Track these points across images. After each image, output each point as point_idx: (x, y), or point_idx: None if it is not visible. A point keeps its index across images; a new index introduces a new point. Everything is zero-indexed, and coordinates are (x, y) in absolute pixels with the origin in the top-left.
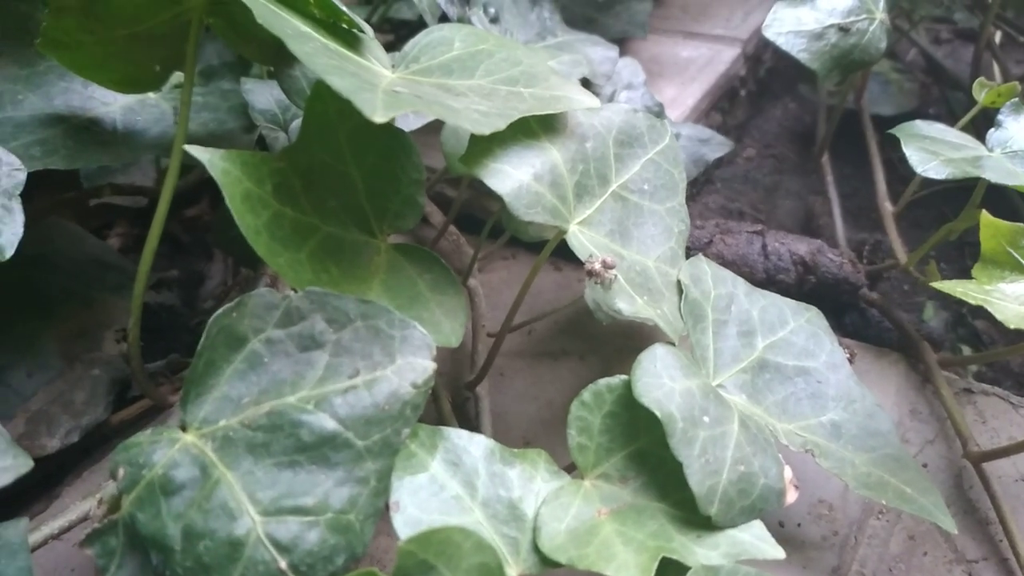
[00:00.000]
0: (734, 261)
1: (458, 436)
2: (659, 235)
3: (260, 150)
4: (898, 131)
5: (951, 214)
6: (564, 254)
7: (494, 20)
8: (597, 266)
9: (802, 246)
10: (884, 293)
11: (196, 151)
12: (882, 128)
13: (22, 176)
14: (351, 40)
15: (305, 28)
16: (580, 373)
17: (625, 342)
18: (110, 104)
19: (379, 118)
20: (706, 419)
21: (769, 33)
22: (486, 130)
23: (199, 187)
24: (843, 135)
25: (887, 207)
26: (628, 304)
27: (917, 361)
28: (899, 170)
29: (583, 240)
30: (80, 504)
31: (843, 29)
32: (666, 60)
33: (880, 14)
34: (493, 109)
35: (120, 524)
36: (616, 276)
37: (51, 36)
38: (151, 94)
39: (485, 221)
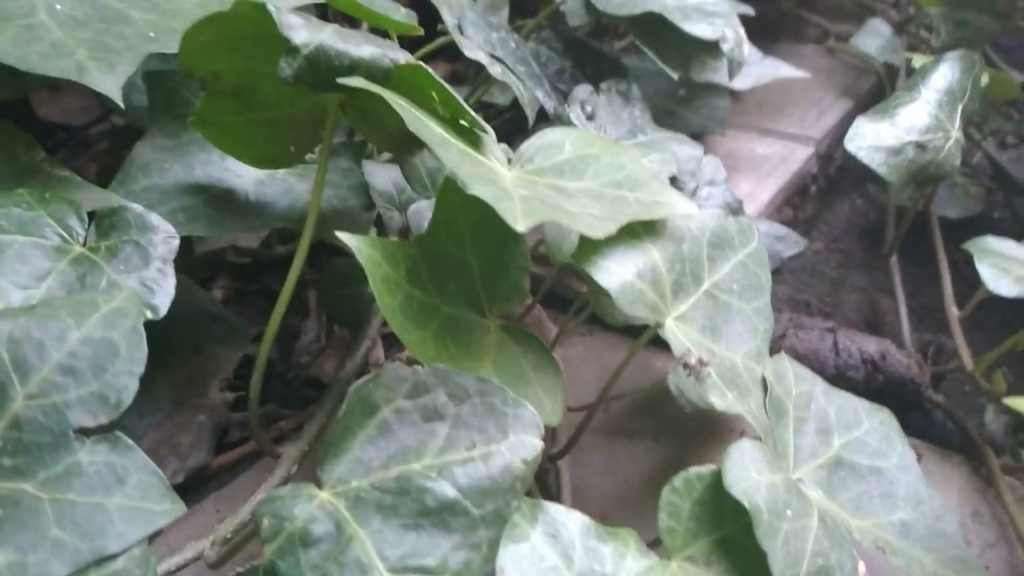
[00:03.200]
0: (806, 355)
1: (556, 510)
2: (746, 333)
3: (377, 227)
4: (971, 247)
5: (1014, 318)
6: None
7: (590, 117)
8: (693, 361)
9: (871, 345)
10: (946, 394)
11: (345, 237)
12: (948, 230)
13: (176, 243)
14: (472, 138)
15: (441, 131)
16: (656, 453)
17: (699, 426)
18: (243, 176)
19: (521, 227)
20: (789, 512)
21: (851, 146)
22: (600, 234)
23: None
24: (910, 235)
25: (953, 311)
26: (720, 399)
27: (979, 464)
28: (963, 271)
29: (678, 334)
30: (194, 544)
31: (920, 146)
32: (742, 156)
33: (955, 132)
34: (603, 212)
35: (261, 571)
36: (710, 372)
37: (203, 116)
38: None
39: (566, 298)
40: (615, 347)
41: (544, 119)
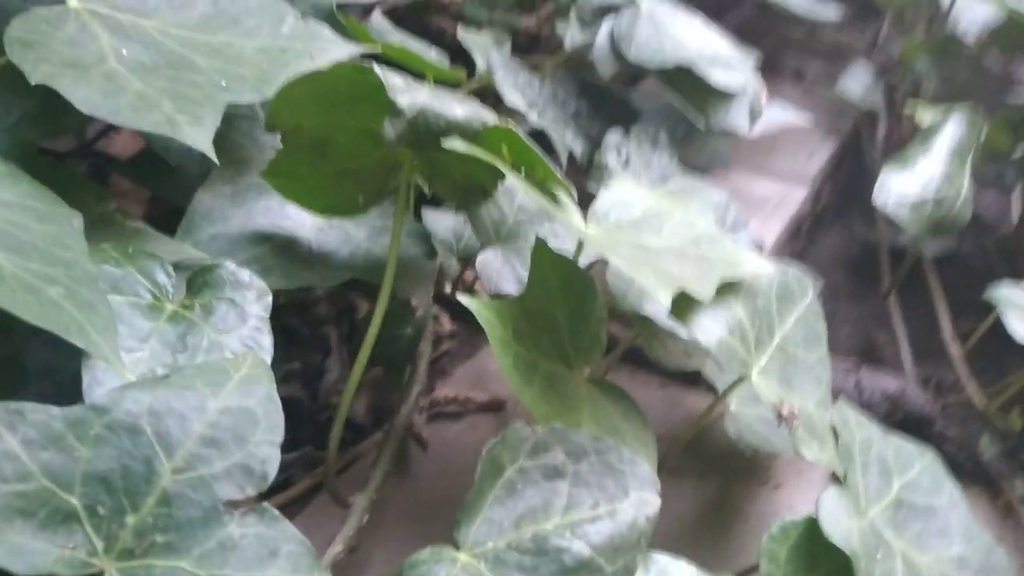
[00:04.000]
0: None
1: (664, 560)
2: (812, 383)
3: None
4: (993, 299)
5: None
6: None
7: (625, 164)
8: (786, 412)
9: (891, 384)
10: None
11: (466, 301)
12: (936, 266)
13: (269, 300)
14: (552, 196)
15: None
16: (703, 491)
17: (738, 464)
18: (303, 224)
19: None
20: (878, 556)
21: (878, 203)
22: (705, 296)
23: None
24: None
25: (955, 349)
26: (808, 450)
27: (995, 495)
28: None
29: (762, 387)
30: None
31: (937, 202)
32: (743, 197)
33: (966, 187)
34: (695, 273)
35: None
36: (799, 424)
37: (277, 167)
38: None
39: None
40: (648, 384)
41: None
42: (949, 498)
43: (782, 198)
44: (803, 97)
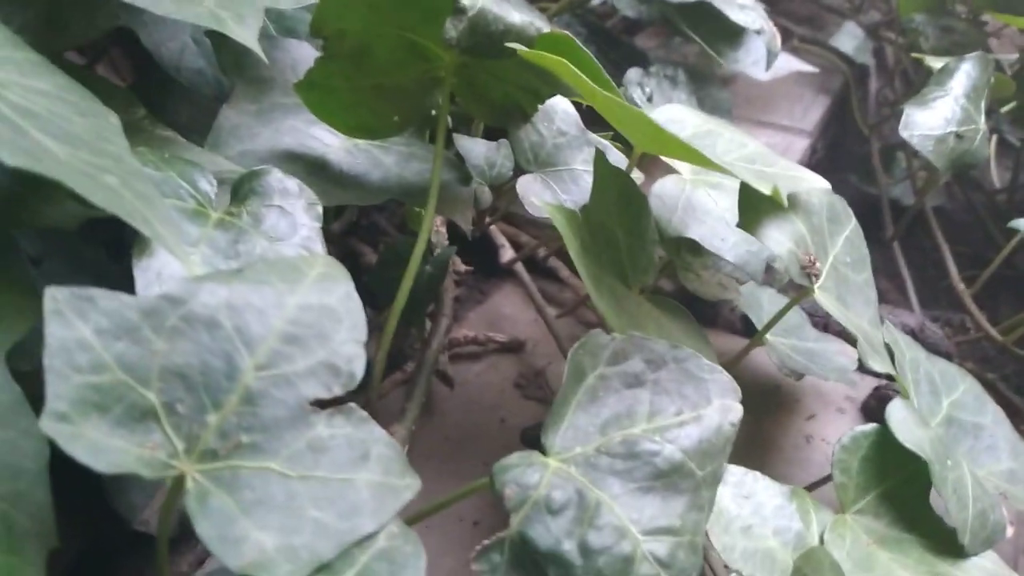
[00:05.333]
0: None
1: (741, 472)
2: (862, 302)
3: None
4: (1019, 227)
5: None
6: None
7: (649, 99)
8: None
9: (911, 320)
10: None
11: (547, 207)
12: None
13: (320, 209)
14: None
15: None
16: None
17: (772, 397)
18: (330, 146)
19: (767, 189)
20: (949, 462)
21: (905, 133)
22: (766, 189)
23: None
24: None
25: (962, 287)
26: (875, 363)
27: (1020, 422)
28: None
29: (824, 301)
30: None
31: (959, 136)
32: None
33: (982, 125)
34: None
35: (507, 541)
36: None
37: (313, 78)
38: (358, 141)
39: None
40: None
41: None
42: (993, 416)
43: (785, 148)
44: (791, 56)
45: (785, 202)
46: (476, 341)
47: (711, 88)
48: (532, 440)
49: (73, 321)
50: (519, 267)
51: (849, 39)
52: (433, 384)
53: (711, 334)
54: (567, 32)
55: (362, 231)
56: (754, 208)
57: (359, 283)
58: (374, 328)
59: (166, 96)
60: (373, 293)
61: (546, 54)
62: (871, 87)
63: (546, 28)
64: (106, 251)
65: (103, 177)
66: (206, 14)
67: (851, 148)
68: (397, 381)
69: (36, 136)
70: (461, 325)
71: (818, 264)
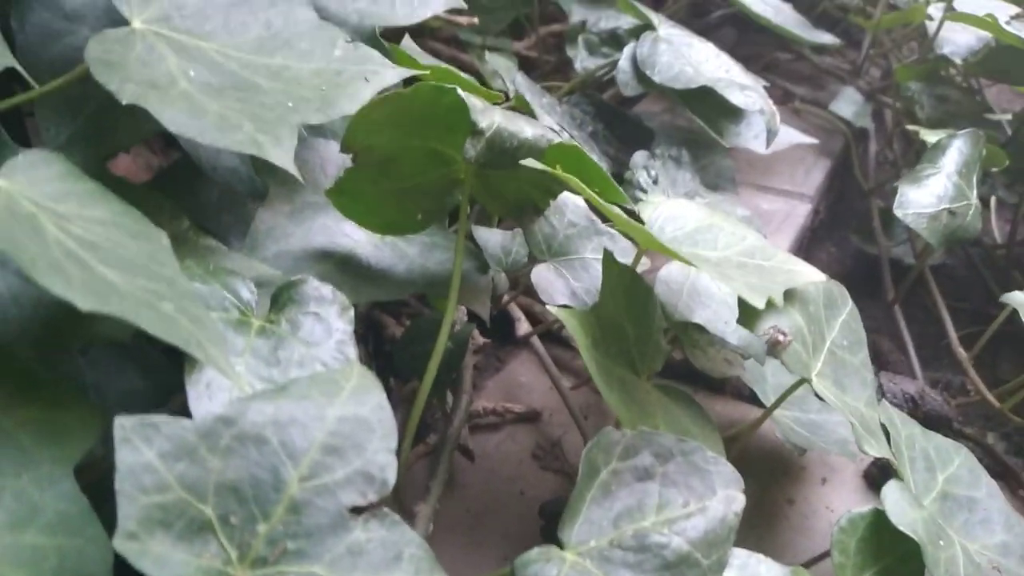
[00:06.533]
0: None
1: (745, 555)
2: (859, 384)
3: None
4: (1012, 301)
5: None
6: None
7: (655, 182)
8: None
9: (911, 386)
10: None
11: (555, 311)
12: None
13: (352, 314)
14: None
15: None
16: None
17: (773, 466)
18: (358, 241)
19: (760, 303)
20: (941, 542)
21: (899, 212)
22: (760, 303)
23: None
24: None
25: (961, 352)
26: (870, 447)
27: (1017, 487)
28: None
29: (821, 388)
30: None
31: (952, 212)
32: (750, 211)
33: (974, 200)
34: (756, 282)
35: None
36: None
37: (342, 186)
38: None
39: None
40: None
41: None
42: (987, 490)
43: (787, 213)
44: (793, 118)
45: (781, 303)
46: (495, 412)
47: (715, 156)
48: (549, 515)
49: (139, 447)
50: (534, 339)
51: (848, 104)
52: (455, 457)
53: (719, 402)
54: (576, 144)
55: (385, 303)
56: (749, 304)
57: (383, 353)
58: (399, 401)
59: (188, 195)
60: (397, 365)
61: (557, 172)
62: (871, 149)
63: (556, 139)
64: (147, 337)
65: (160, 305)
66: (247, 141)
67: (853, 205)
68: (420, 453)
69: (100, 270)
70: (480, 393)
71: (783, 337)
